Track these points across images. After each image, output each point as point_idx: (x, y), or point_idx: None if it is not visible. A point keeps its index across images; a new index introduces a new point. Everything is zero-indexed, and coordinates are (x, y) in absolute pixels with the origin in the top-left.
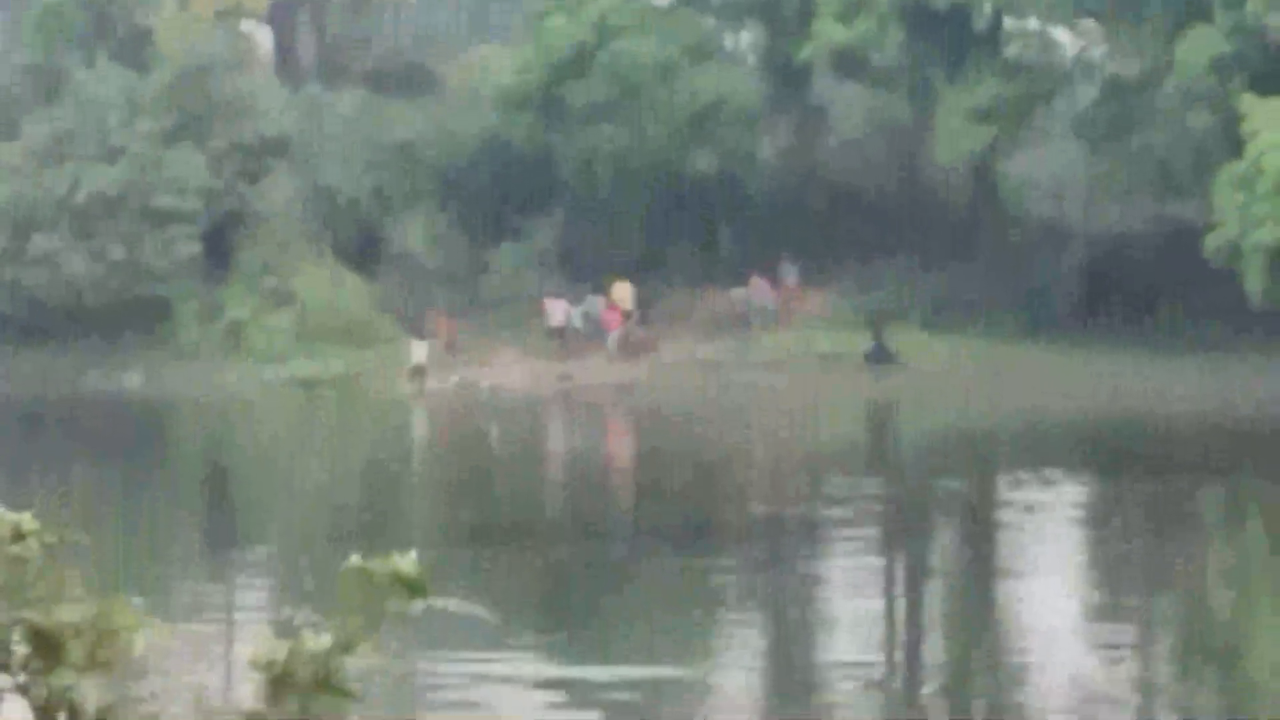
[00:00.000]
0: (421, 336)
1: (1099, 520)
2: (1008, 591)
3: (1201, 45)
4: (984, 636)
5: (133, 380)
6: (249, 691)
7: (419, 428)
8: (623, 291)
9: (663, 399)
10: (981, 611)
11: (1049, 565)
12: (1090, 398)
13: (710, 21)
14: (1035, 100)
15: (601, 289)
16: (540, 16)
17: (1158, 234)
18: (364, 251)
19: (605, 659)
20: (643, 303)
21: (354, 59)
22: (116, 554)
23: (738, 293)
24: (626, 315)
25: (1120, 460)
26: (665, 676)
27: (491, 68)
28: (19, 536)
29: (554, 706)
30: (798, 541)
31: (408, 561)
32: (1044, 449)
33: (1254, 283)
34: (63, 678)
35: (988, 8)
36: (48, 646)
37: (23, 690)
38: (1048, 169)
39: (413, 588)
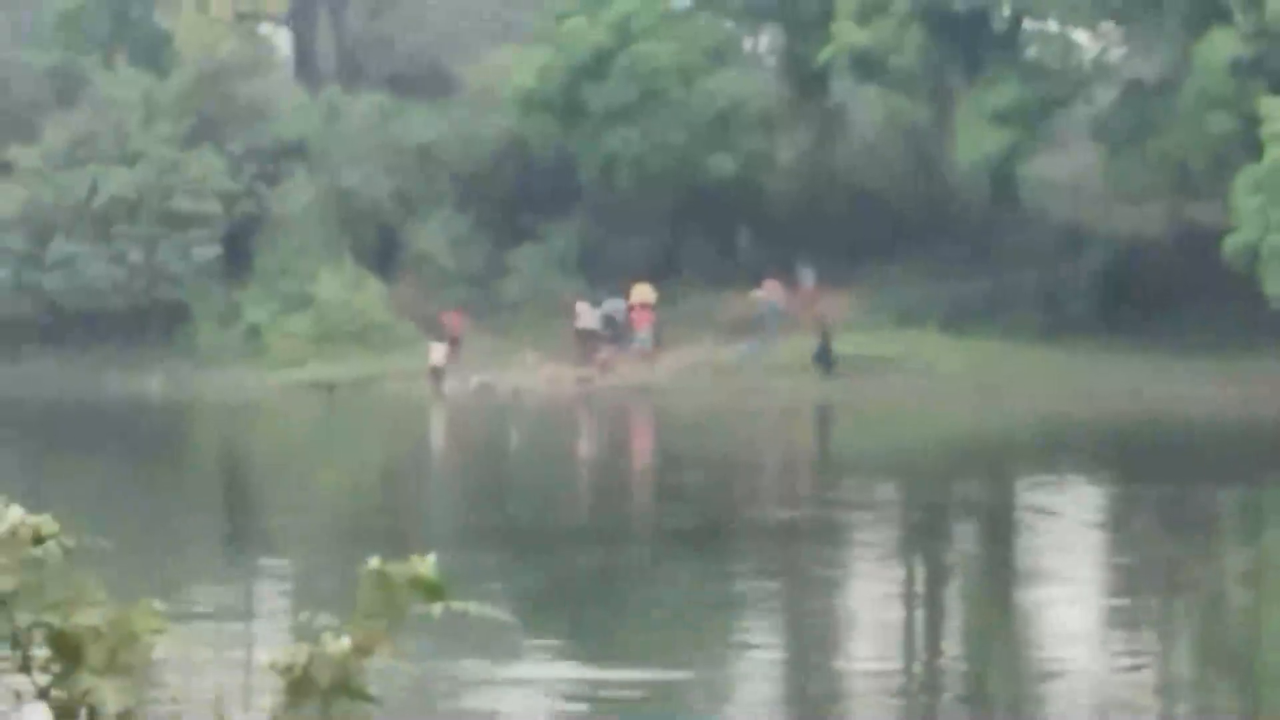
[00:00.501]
0: (440, 339)
1: (1119, 524)
2: (1031, 595)
3: (1221, 47)
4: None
5: (152, 383)
6: (269, 696)
7: (434, 432)
8: (644, 293)
9: (683, 402)
10: (1006, 613)
11: (1071, 570)
12: (1109, 400)
13: (729, 24)
14: (1054, 103)
15: (619, 291)
16: (560, 19)
17: (1176, 236)
18: (383, 254)
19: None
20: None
21: (373, 61)
22: (136, 557)
23: (756, 295)
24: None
25: (1141, 463)
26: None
27: (511, 70)
28: (39, 539)
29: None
30: (815, 545)
31: (427, 564)
32: (1064, 452)
33: (1273, 285)
34: (82, 681)
35: (1007, 10)
36: (68, 650)
37: (43, 694)
38: (1066, 171)
39: (431, 590)
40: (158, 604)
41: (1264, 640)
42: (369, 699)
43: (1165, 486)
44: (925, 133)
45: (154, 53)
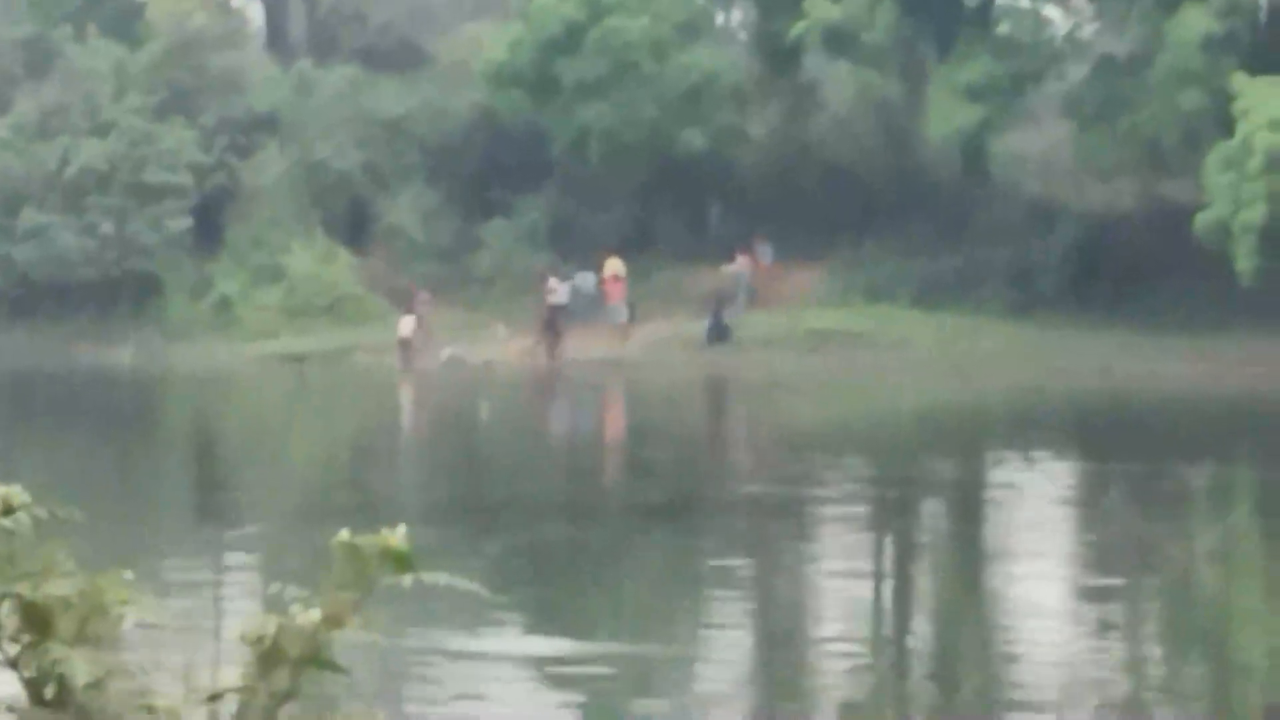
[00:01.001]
0: (410, 312)
1: (1088, 500)
2: (998, 571)
3: (1193, 24)
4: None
5: (123, 355)
6: (238, 666)
7: (404, 404)
8: (615, 267)
9: (654, 376)
10: (976, 590)
11: (1039, 547)
12: (1080, 376)
13: None
14: (1026, 78)
15: (591, 265)
16: None
17: (1148, 213)
18: (354, 227)
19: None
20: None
21: (345, 34)
22: (106, 528)
23: (728, 269)
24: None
25: (1111, 439)
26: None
27: (483, 44)
28: (9, 510)
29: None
30: (778, 521)
31: (397, 536)
32: (1034, 428)
33: (1244, 262)
34: (52, 651)
35: None
36: (38, 620)
37: (12, 663)
38: (1038, 147)
39: (401, 562)
40: (127, 575)
41: (1232, 616)
42: (339, 670)
43: (1135, 463)
44: (897, 108)
45: (126, 24)
